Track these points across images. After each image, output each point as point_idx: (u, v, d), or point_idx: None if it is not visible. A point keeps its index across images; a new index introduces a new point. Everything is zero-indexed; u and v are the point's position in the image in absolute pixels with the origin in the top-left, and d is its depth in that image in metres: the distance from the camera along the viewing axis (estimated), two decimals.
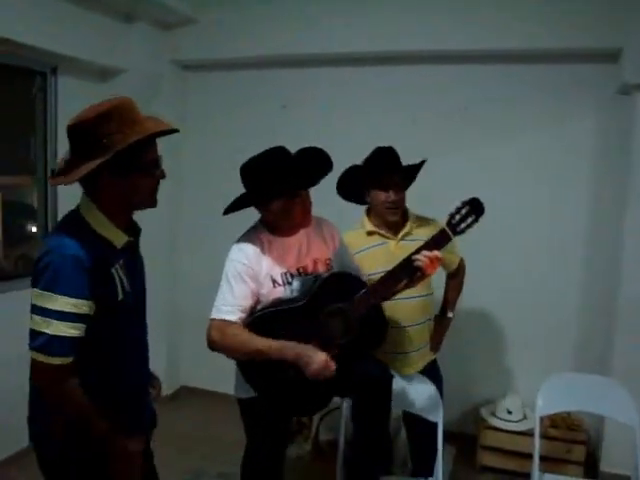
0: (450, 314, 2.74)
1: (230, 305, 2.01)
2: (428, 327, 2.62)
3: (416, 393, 2.52)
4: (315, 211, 2.14)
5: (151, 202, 1.63)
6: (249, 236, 2.13)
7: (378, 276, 2.30)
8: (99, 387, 1.54)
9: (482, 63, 3.51)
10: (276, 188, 1.99)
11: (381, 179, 2.42)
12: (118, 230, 1.58)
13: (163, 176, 1.62)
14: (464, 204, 2.02)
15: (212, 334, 2.01)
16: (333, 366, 1.95)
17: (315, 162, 2.04)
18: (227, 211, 2.11)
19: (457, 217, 2.02)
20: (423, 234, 2.48)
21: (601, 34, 3.14)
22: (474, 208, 2.01)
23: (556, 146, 3.46)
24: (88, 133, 1.48)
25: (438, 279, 2.61)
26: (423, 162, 2.50)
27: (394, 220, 2.48)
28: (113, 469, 1.58)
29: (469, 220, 2.01)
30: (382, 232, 2.51)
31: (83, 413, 1.50)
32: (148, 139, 1.54)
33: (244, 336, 1.98)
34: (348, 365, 2.08)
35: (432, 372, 2.63)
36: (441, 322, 2.72)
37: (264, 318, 2.03)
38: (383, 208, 2.45)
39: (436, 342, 2.69)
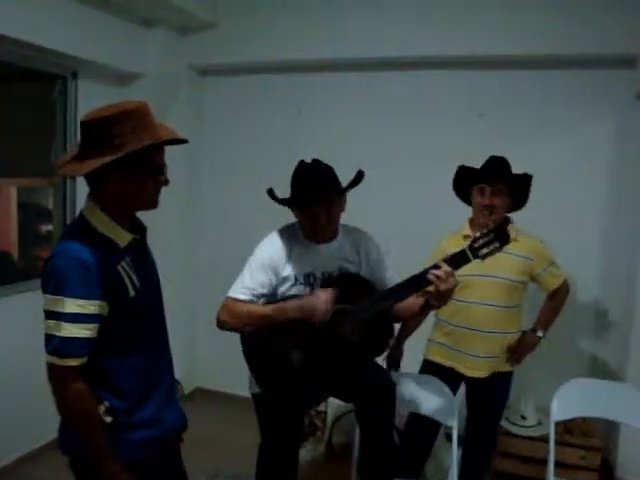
0: (540, 333, 2.68)
1: (245, 287, 2.12)
2: (503, 339, 2.61)
3: (428, 395, 2.54)
4: None
5: (153, 204, 1.65)
6: (283, 231, 2.23)
7: (465, 279, 2.33)
8: (120, 387, 1.56)
9: (498, 69, 3.51)
10: (291, 200, 2.16)
11: (482, 181, 2.52)
12: (121, 229, 1.59)
13: (166, 182, 1.64)
14: (490, 231, 2.04)
15: (221, 313, 2.11)
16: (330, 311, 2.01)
17: (327, 181, 2.12)
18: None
19: (481, 241, 2.02)
20: (517, 249, 2.49)
21: (617, 40, 3.14)
22: (498, 236, 2.02)
23: (573, 152, 3.45)
24: (102, 130, 1.49)
25: (536, 297, 2.73)
26: (531, 177, 2.59)
27: (484, 223, 2.46)
28: None
29: (492, 247, 2.02)
30: None
31: (85, 420, 1.49)
32: (160, 145, 1.57)
33: (249, 307, 2.09)
34: (352, 371, 2.14)
35: (498, 383, 2.66)
36: (526, 337, 2.66)
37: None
38: (478, 210, 2.56)
39: (516, 356, 2.65)
